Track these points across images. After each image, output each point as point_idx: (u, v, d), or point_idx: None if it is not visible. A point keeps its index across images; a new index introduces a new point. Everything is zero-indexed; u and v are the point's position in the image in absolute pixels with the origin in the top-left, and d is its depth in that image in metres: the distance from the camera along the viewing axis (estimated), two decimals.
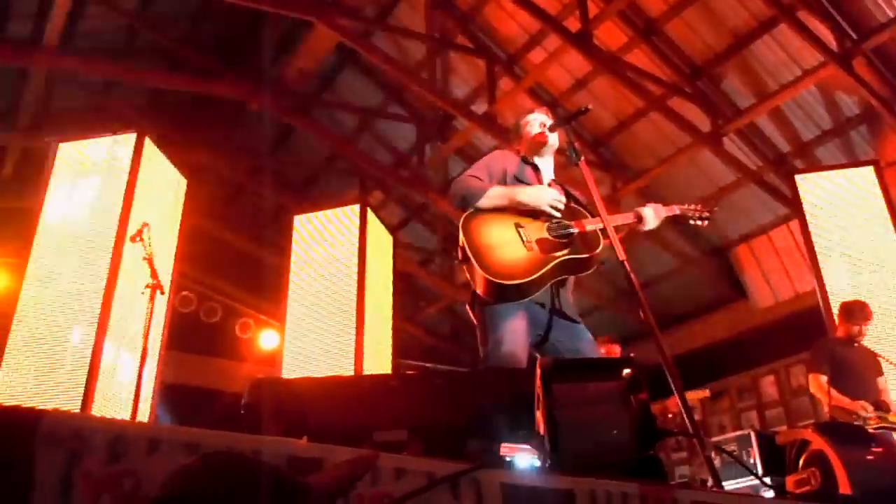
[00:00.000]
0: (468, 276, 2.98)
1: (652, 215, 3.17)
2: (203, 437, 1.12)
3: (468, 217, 2.98)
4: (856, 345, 5.07)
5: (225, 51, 8.68)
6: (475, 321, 3.05)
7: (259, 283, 9.66)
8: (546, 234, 2.97)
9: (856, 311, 5.13)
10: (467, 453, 1.81)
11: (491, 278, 2.80)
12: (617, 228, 2.96)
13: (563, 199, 3.05)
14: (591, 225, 3.01)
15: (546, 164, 3.30)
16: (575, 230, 2.99)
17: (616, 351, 6.13)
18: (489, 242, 2.91)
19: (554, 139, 3.26)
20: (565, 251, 2.94)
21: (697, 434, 2.46)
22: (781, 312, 8.52)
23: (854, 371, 4.93)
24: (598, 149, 8.29)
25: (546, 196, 3.02)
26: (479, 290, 2.88)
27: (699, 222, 3.39)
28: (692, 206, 3.38)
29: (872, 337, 5.45)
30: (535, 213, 3.03)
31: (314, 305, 6.51)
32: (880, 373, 5.10)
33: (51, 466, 0.98)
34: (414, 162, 9.06)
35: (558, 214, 3.01)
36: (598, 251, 3.01)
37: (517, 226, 2.97)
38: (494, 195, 3.02)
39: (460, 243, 2.93)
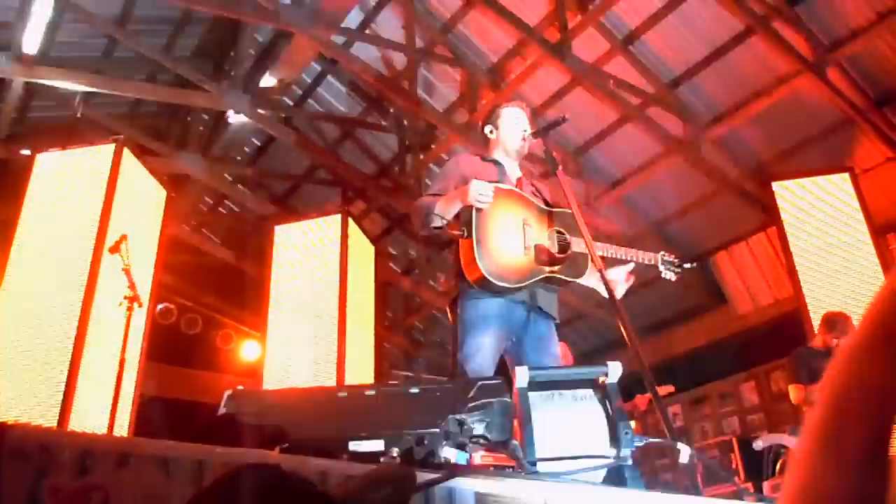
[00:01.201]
0: (460, 249, 2.95)
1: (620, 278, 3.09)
2: (174, 449, 1.12)
3: None
4: (827, 355, 5.11)
5: (205, 61, 8.67)
6: (451, 323, 3.08)
7: (240, 293, 9.61)
8: (546, 243, 2.98)
9: (838, 324, 5.11)
10: (442, 462, 1.81)
11: (482, 271, 2.81)
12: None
13: (491, 192, 2.87)
14: (580, 245, 2.99)
15: (510, 162, 3.29)
16: (573, 248, 2.99)
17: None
18: (495, 231, 2.91)
19: (527, 146, 3.29)
20: (555, 268, 2.96)
21: (674, 440, 2.48)
22: (761, 318, 8.60)
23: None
24: (577, 158, 8.34)
25: (469, 192, 2.85)
26: (465, 271, 2.89)
27: (670, 275, 3.28)
28: (664, 257, 3.29)
29: None
30: (544, 214, 3.05)
31: (295, 316, 6.50)
32: None
33: (17, 481, 0.98)
34: (396, 172, 9.07)
35: (483, 206, 2.85)
36: (581, 278, 3.03)
37: (525, 222, 2.98)
38: (442, 206, 2.95)
39: (471, 221, 2.87)
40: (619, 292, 3.06)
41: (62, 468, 1.02)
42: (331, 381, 6.02)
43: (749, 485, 5.50)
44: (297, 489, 0.96)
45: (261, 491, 0.93)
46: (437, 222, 2.97)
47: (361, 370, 6.58)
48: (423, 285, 10.23)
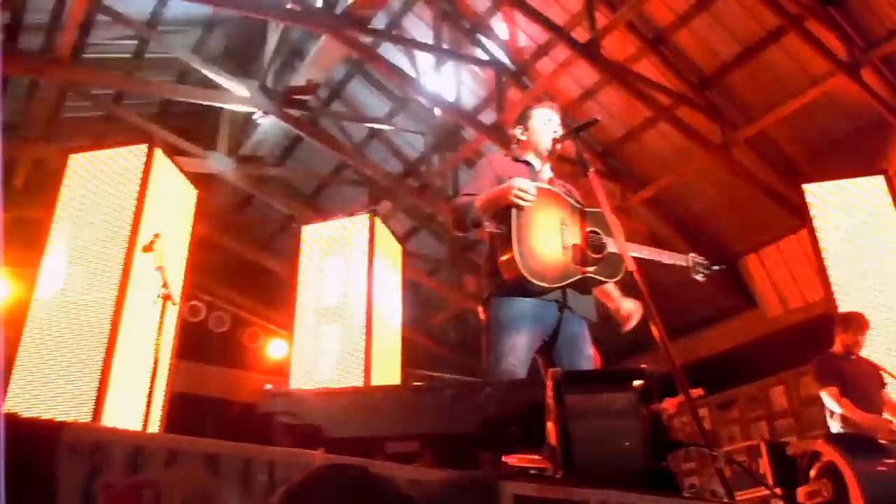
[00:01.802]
0: (499, 251, 2.91)
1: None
2: (221, 448, 1.13)
3: None
4: (853, 357, 5.02)
5: (234, 61, 8.74)
6: (482, 322, 3.06)
7: (267, 292, 9.69)
8: (582, 243, 2.96)
9: (852, 322, 5.09)
10: (480, 464, 1.81)
11: (522, 270, 2.80)
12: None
13: (534, 190, 2.83)
14: (613, 247, 2.97)
15: (540, 163, 3.26)
16: (608, 249, 2.97)
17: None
18: (535, 230, 2.89)
19: (558, 147, 3.27)
20: (592, 268, 2.94)
21: (709, 445, 2.46)
22: (791, 321, 8.49)
23: (857, 385, 4.90)
24: (607, 158, 8.30)
25: (512, 190, 2.82)
26: (503, 269, 2.87)
27: (699, 276, 3.27)
28: (695, 258, 3.28)
29: (883, 347, 5.43)
30: (579, 214, 3.03)
31: (322, 315, 6.53)
32: (882, 385, 5.04)
33: (72, 478, 0.99)
34: (422, 172, 9.09)
35: (525, 204, 2.82)
36: (616, 279, 3.01)
37: (562, 222, 2.97)
38: (479, 208, 2.94)
39: (510, 219, 2.85)
40: (628, 326, 3.10)
41: (114, 465, 1.03)
42: (357, 381, 6.04)
43: (779, 490, 5.43)
44: (383, 491, 0.96)
45: (350, 491, 0.93)
46: (477, 222, 2.96)
47: (387, 370, 6.60)
48: (448, 285, 10.25)
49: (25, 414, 4.25)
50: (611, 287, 3.14)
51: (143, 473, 1.04)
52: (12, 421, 0.98)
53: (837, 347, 5.11)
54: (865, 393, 4.88)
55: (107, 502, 1.00)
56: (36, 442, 1.00)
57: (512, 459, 1.96)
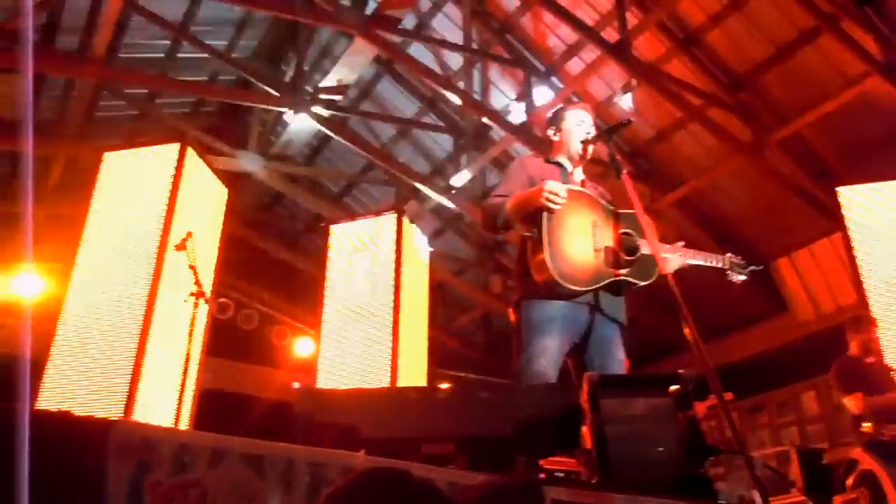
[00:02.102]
0: (530, 253, 2.91)
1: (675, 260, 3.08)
2: (265, 448, 1.14)
3: None
4: (871, 358, 4.97)
5: (265, 61, 8.81)
6: (513, 324, 3.05)
7: (295, 291, 9.76)
8: (615, 245, 2.94)
9: (862, 323, 5.09)
10: (515, 467, 1.81)
11: (553, 273, 2.78)
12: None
13: (565, 193, 2.83)
14: (646, 249, 2.94)
15: (572, 165, 3.24)
16: (641, 251, 2.94)
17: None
18: (566, 233, 2.88)
19: (591, 149, 3.25)
20: (625, 271, 2.92)
21: (745, 451, 2.43)
22: (823, 326, 8.35)
23: (876, 387, 4.83)
24: (637, 160, 8.23)
25: (543, 193, 2.82)
26: (534, 272, 2.86)
27: (736, 277, 3.23)
28: (731, 259, 3.24)
29: None
30: (611, 216, 3.02)
31: (349, 314, 6.55)
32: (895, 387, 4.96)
33: (121, 475, 1.00)
34: (450, 172, 9.08)
35: (556, 207, 2.81)
36: (650, 281, 2.97)
37: (594, 224, 2.95)
38: (515, 209, 2.94)
39: (542, 221, 2.84)
40: (671, 267, 3.01)
41: (162, 464, 1.05)
42: (384, 381, 6.05)
43: (809, 499, 5.35)
44: (427, 494, 0.96)
45: (393, 495, 0.93)
46: (508, 224, 2.96)
47: (414, 370, 6.60)
48: (474, 286, 10.23)
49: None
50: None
51: (190, 472, 1.05)
52: (64, 418, 1.00)
53: (854, 350, 5.04)
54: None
55: (154, 500, 1.01)
56: (86, 439, 1.01)
57: (548, 463, 1.95)
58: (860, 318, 5.19)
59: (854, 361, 5.01)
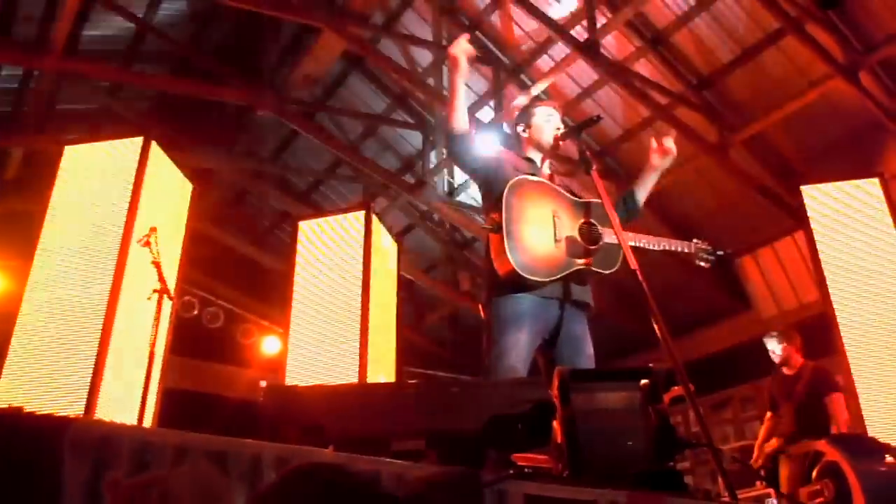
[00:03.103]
0: (491, 246, 2.94)
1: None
2: (229, 445, 1.10)
3: (513, 187, 2.94)
4: (786, 371, 5.56)
5: (231, 55, 8.69)
6: (483, 320, 3.05)
7: (262, 288, 9.64)
8: (576, 235, 2.95)
9: (784, 334, 5.66)
10: (487, 463, 1.79)
11: (513, 264, 2.78)
12: None
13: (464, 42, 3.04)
14: (610, 238, 2.96)
15: (541, 160, 3.27)
16: (604, 240, 2.96)
17: None
18: (525, 223, 2.89)
19: (559, 145, 3.26)
20: (587, 259, 2.92)
21: (713, 445, 2.44)
22: (785, 323, 8.49)
23: (776, 403, 5.51)
24: (604, 158, 8.28)
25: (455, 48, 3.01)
26: (496, 264, 2.88)
27: (703, 263, 3.29)
28: (698, 244, 3.30)
29: (877, 348, 5.48)
30: (574, 206, 3.02)
31: (318, 312, 6.49)
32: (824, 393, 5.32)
33: (78, 474, 0.96)
34: (419, 169, 9.05)
35: (461, 52, 3.00)
36: (613, 270, 2.99)
37: (555, 214, 2.95)
38: (453, 97, 3.06)
39: (499, 213, 2.88)
40: (664, 164, 3.26)
41: (121, 462, 1.00)
42: (352, 379, 6.01)
43: (772, 490, 5.43)
44: (360, 490, 0.94)
45: (324, 493, 0.91)
46: (457, 109, 3.03)
47: (383, 367, 6.57)
48: (443, 284, 10.22)
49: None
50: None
51: (151, 471, 1.01)
52: (16, 416, 0.95)
53: (800, 360, 5.58)
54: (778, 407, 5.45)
55: (114, 500, 0.97)
56: (41, 438, 0.96)
57: (519, 458, 1.93)
58: (785, 331, 5.63)
59: (772, 378, 5.46)
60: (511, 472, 1.44)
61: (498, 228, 2.86)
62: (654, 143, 3.30)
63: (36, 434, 0.97)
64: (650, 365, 2.04)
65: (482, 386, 2.03)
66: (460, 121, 3.03)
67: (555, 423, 2.00)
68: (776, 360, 5.61)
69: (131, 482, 0.99)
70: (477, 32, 7.84)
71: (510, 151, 3.29)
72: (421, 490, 1.09)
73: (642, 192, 3.36)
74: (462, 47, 2.99)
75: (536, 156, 3.27)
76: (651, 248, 3.18)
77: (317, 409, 1.89)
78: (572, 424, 1.88)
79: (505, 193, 2.90)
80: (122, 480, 0.99)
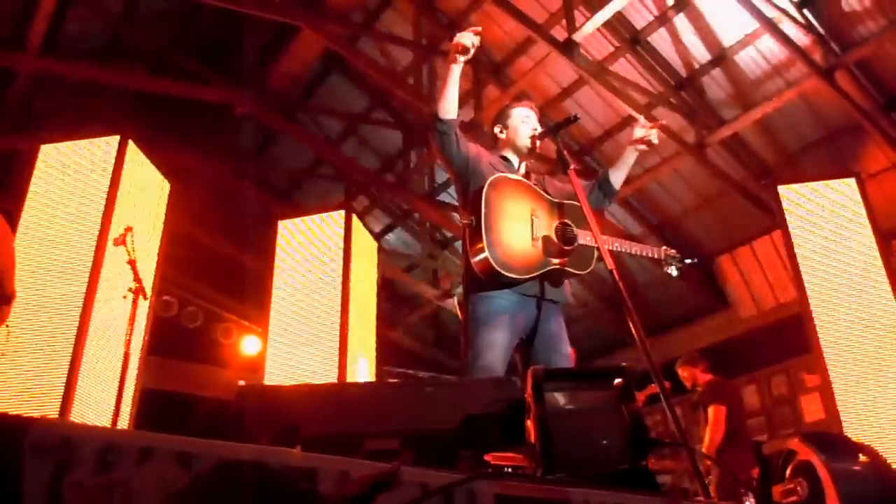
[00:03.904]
0: (468, 241, 2.93)
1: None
2: (196, 446, 1.09)
3: (493, 183, 2.95)
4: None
5: (210, 54, 8.63)
6: (461, 319, 3.05)
7: (241, 288, 9.57)
8: (552, 235, 2.96)
9: (691, 358, 6.28)
10: (461, 463, 1.79)
11: (490, 261, 2.80)
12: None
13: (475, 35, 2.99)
14: (585, 238, 2.98)
15: (518, 161, 3.28)
16: (578, 241, 2.98)
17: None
18: (504, 219, 2.90)
19: (537, 146, 3.27)
20: (562, 259, 2.94)
21: (687, 443, 2.46)
22: (763, 322, 8.59)
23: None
24: (584, 157, 8.32)
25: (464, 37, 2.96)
26: (472, 261, 2.88)
27: (673, 270, 3.29)
28: (667, 251, 3.31)
29: (853, 348, 5.55)
30: (552, 206, 3.03)
31: (297, 311, 6.47)
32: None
33: (39, 476, 0.95)
34: (399, 168, 9.05)
35: (469, 40, 2.94)
36: (588, 270, 3.02)
37: (533, 213, 2.96)
38: (443, 91, 3.02)
39: (480, 209, 2.88)
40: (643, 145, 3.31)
41: (84, 463, 0.99)
42: (331, 379, 5.99)
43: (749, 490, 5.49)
44: (278, 489, 0.93)
45: (239, 492, 0.90)
46: (436, 114, 2.99)
47: (362, 367, 6.56)
48: (424, 283, 10.21)
49: None
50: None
51: (114, 472, 1.00)
52: None
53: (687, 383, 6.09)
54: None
55: (76, 501, 0.96)
56: (0, 439, 0.95)
57: (492, 457, 1.94)
58: (687, 355, 6.24)
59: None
60: (475, 473, 1.44)
61: (477, 223, 2.86)
62: (641, 122, 3.34)
63: None
64: (623, 364, 2.05)
65: (456, 385, 2.02)
66: (450, 108, 3.01)
67: (528, 423, 2.01)
68: (686, 384, 6.17)
69: (94, 482, 0.98)
70: (455, 32, 7.83)
71: (487, 150, 3.30)
72: (353, 490, 1.08)
73: (619, 175, 3.39)
74: (470, 38, 2.95)
75: (513, 156, 3.28)
76: (622, 251, 3.20)
77: (290, 408, 1.89)
78: (545, 423, 1.88)
79: (485, 189, 2.91)
80: (84, 481, 0.98)
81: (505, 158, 3.26)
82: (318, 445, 1.71)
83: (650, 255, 3.28)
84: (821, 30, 6.54)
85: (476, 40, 2.98)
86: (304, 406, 1.95)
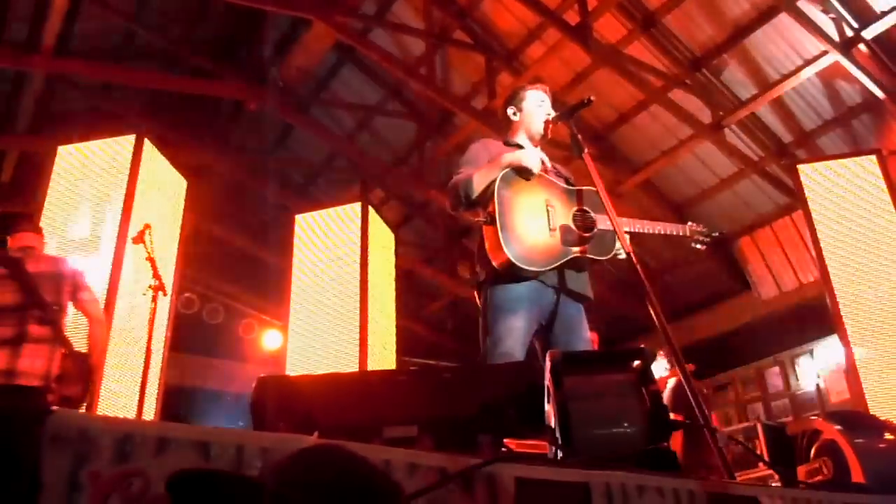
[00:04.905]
0: (486, 238, 2.91)
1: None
2: (213, 435, 1.10)
3: (505, 178, 2.92)
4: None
5: (223, 50, 8.66)
6: (480, 306, 3.04)
7: (261, 283, 9.63)
8: (570, 223, 2.93)
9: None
10: (479, 447, 1.78)
11: (509, 256, 2.78)
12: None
13: (546, 165, 3.01)
14: (605, 223, 2.94)
15: (532, 145, 3.21)
16: (598, 226, 2.95)
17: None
18: (519, 215, 2.87)
19: (550, 130, 3.23)
20: (583, 247, 2.91)
21: (709, 425, 2.44)
22: (785, 303, 8.50)
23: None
24: (599, 142, 8.25)
25: (531, 155, 2.96)
26: (491, 257, 2.86)
27: (699, 245, 3.28)
28: (692, 227, 3.29)
29: (876, 326, 5.49)
30: (567, 194, 3.01)
31: (317, 305, 6.49)
32: None
33: (57, 467, 0.96)
34: (414, 159, 9.03)
35: (531, 163, 2.93)
36: (610, 256, 2.98)
37: (548, 203, 2.94)
38: (481, 175, 2.94)
39: (492, 206, 2.86)
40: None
41: (102, 454, 1.00)
42: (353, 369, 6.02)
43: (775, 472, 5.44)
44: (372, 477, 0.93)
45: (331, 475, 0.90)
46: (473, 198, 2.93)
47: (383, 358, 6.58)
48: (443, 273, 10.21)
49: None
50: None
51: (132, 462, 1.01)
52: None
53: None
54: None
55: (95, 492, 0.97)
56: (18, 431, 0.96)
57: (512, 442, 1.93)
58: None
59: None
60: (494, 457, 1.44)
61: (492, 221, 2.84)
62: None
63: (13, 427, 0.96)
64: (641, 346, 2.03)
65: (474, 371, 2.02)
66: (478, 190, 2.95)
67: (548, 407, 2.00)
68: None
69: (112, 472, 0.99)
70: (467, 20, 7.80)
71: (494, 141, 3.26)
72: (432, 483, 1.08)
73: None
74: (535, 161, 2.96)
75: (526, 141, 3.23)
76: (646, 232, 3.17)
77: (308, 398, 1.89)
78: (565, 407, 1.87)
79: (496, 186, 2.88)
80: (102, 471, 0.98)
81: (519, 146, 3.21)
82: (337, 433, 1.71)
83: (675, 232, 3.25)
84: (838, 5, 6.42)
85: (538, 165, 2.97)
86: (323, 395, 1.96)
